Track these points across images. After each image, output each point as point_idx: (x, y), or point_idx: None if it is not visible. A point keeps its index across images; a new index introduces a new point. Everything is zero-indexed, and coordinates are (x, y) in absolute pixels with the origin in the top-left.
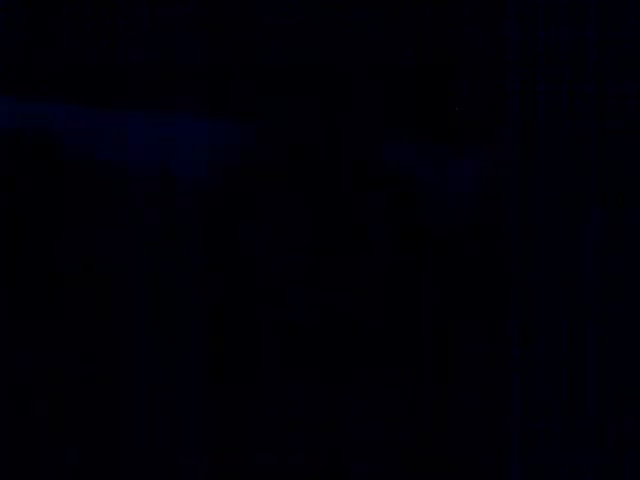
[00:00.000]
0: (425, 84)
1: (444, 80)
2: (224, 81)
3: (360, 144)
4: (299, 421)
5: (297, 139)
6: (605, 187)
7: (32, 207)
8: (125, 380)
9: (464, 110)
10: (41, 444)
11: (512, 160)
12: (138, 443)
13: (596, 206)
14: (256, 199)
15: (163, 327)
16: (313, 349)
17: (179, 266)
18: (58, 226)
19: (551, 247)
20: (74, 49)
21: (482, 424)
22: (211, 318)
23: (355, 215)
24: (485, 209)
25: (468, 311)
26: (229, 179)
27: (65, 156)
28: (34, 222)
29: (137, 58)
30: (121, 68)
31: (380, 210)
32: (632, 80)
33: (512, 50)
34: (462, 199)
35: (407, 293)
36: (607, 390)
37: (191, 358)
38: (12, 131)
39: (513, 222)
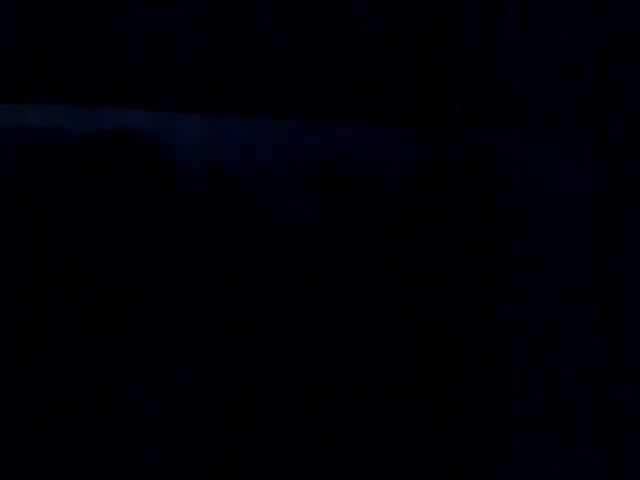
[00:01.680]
0: (426, 85)
1: (445, 80)
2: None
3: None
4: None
5: None
6: (606, 186)
7: None
8: None
9: (465, 111)
10: None
11: (513, 162)
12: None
13: (595, 203)
14: None
15: None
16: None
17: None
18: None
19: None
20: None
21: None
22: None
23: None
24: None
25: None
26: None
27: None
28: None
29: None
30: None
31: None
32: (632, 79)
33: (512, 50)
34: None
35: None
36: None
37: None
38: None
39: (512, 216)
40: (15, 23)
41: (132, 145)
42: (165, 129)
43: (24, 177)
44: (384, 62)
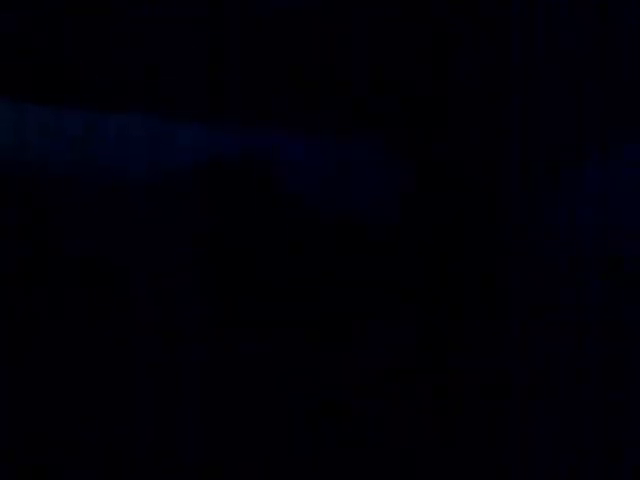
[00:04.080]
0: (426, 85)
1: (445, 80)
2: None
3: None
4: None
5: None
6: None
7: None
8: None
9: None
10: None
11: (513, 164)
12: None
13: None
14: None
15: None
16: None
17: None
18: None
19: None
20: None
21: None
22: None
23: None
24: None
25: None
26: None
27: None
28: None
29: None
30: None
31: None
32: (632, 79)
33: (513, 51)
34: None
35: None
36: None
37: None
38: None
39: (505, 230)
40: None
41: None
42: None
43: None
44: None
